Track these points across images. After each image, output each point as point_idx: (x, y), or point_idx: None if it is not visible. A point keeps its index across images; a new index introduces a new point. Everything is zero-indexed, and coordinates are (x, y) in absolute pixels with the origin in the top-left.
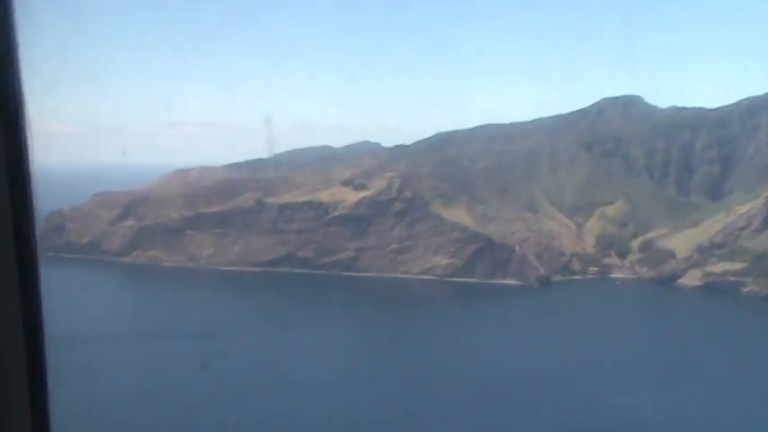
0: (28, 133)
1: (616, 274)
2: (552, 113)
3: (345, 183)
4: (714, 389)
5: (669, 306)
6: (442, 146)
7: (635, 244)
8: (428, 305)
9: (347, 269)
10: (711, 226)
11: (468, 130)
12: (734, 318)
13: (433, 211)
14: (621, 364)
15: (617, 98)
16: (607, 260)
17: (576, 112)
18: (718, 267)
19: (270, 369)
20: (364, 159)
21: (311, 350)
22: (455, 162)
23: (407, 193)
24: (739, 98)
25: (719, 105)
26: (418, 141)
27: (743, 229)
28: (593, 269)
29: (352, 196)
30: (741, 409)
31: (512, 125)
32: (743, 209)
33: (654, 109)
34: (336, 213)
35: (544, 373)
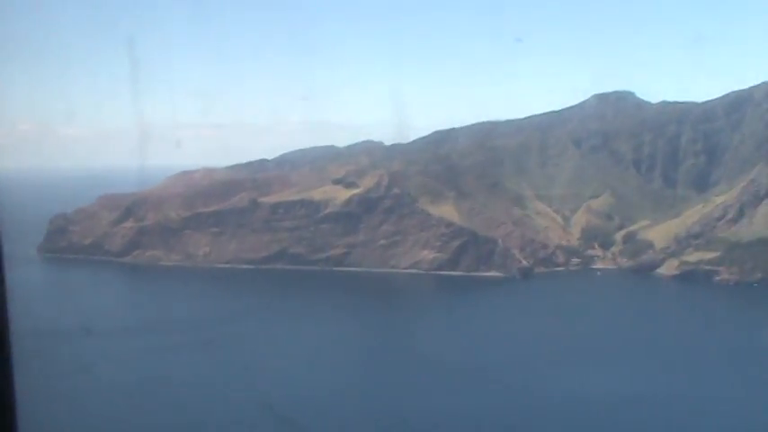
0: None
1: (598, 265)
2: (546, 110)
3: (337, 181)
4: (674, 370)
5: (640, 294)
6: (437, 143)
7: (619, 236)
8: (414, 298)
9: (338, 265)
10: (690, 217)
11: (465, 127)
12: (699, 304)
13: (421, 207)
14: (588, 348)
15: (608, 94)
16: (590, 252)
17: (568, 108)
18: (694, 257)
19: (262, 360)
20: (361, 158)
21: (303, 342)
22: (447, 159)
23: (396, 190)
24: (725, 92)
25: (707, 99)
26: (416, 140)
27: (719, 219)
28: (575, 261)
29: (343, 194)
30: (703, 386)
31: (506, 122)
32: (720, 200)
33: (645, 104)
34: (327, 211)
35: (512, 360)
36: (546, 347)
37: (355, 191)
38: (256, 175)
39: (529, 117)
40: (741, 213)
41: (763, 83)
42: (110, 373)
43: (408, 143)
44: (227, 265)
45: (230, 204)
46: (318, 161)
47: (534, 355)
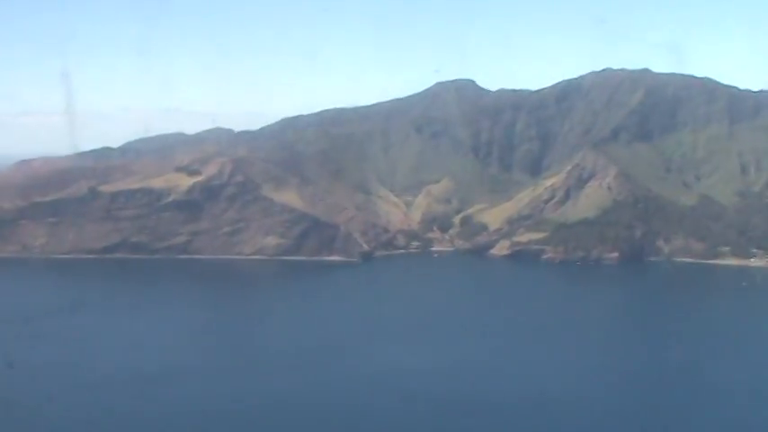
0: None
1: (437, 248)
2: (392, 98)
3: (179, 169)
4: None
5: (469, 273)
6: (284, 130)
7: (457, 219)
8: (255, 283)
9: (182, 252)
10: (522, 199)
11: (312, 114)
12: (521, 281)
13: (264, 194)
14: (409, 325)
15: (450, 82)
16: (430, 235)
17: (412, 96)
18: (524, 237)
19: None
20: (207, 145)
21: (136, 330)
22: (292, 146)
23: (239, 177)
24: (556, 80)
25: (540, 87)
26: (264, 127)
27: (547, 201)
28: (415, 244)
29: (186, 182)
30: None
31: (353, 109)
32: (549, 182)
33: (484, 91)
34: (170, 199)
35: (336, 340)
36: (368, 326)
37: (198, 178)
38: (98, 164)
39: (374, 104)
40: (567, 196)
41: (590, 72)
42: None
43: (257, 130)
44: (67, 256)
45: (68, 193)
46: (165, 149)
47: (355, 334)
